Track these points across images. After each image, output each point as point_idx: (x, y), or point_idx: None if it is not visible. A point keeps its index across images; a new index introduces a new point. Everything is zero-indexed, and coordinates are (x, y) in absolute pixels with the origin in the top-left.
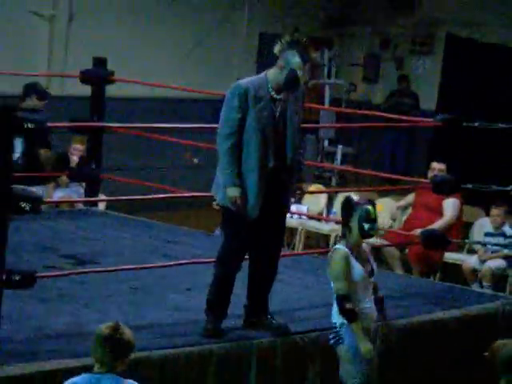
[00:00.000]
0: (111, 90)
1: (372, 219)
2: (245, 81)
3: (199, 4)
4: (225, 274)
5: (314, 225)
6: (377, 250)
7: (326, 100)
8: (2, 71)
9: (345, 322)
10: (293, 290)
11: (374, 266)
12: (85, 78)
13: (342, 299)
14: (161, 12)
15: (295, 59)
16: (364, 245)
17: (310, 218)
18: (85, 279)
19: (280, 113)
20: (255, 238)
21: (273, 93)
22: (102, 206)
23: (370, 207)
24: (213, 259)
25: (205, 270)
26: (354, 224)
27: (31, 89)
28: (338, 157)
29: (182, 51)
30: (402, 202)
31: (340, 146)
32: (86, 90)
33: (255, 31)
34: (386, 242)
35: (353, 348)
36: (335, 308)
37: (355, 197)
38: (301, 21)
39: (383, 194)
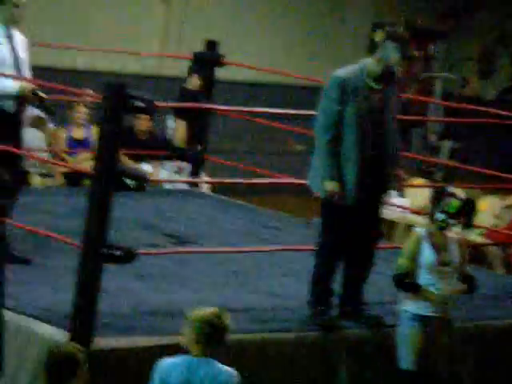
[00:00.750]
0: (220, 73)
1: (448, 212)
2: (343, 71)
3: None
4: (325, 265)
5: (414, 219)
6: (477, 249)
7: (437, 94)
8: (117, 50)
9: (402, 308)
10: (388, 283)
11: (455, 258)
12: (196, 60)
13: (399, 276)
14: None
15: (395, 54)
16: (452, 236)
17: (412, 211)
18: (183, 259)
19: (378, 103)
20: (353, 228)
21: (371, 83)
22: (204, 188)
23: (454, 201)
24: (310, 247)
25: (302, 257)
26: (435, 212)
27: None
28: (445, 152)
29: (293, 38)
30: (508, 201)
31: (447, 141)
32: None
33: (367, 20)
34: (488, 241)
35: (403, 334)
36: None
37: (454, 190)
38: (414, 12)
39: (489, 192)
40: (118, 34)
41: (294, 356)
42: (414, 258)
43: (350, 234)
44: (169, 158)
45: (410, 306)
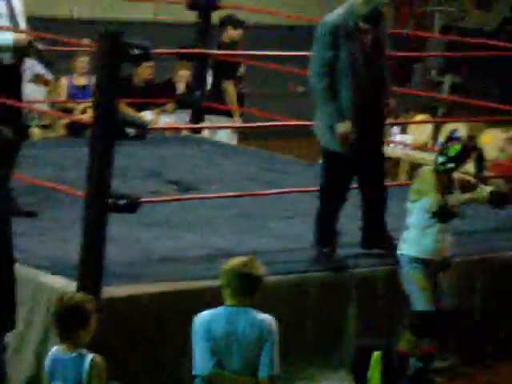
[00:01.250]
0: (217, 17)
1: (448, 156)
2: (333, 16)
3: None
4: (328, 207)
5: (418, 155)
6: (483, 182)
7: (436, 27)
8: None
9: (403, 252)
10: (396, 220)
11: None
12: (192, 4)
13: (442, 209)
14: None
15: None
16: (453, 177)
17: (415, 148)
18: (188, 205)
19: (369, 42)
20: (355, 171)
21: (360, 24)
22: (206, 134)
23: (455, 146)
24: (315, 188)
25: (307, 198)
26: (440, 155)
27: (226, 21)
28: (446, 86)
29: None
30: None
31: (448, 76)
32: (193, 17)
33: None
34: (492, 174)
35: (407, 277)
36: (403, 236)
37: (461, 134)
38: None
39: (491, 124)
40: None
41: (302, 297)
42: (438, 188)
43: (353, 177)
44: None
45: (406, 250)
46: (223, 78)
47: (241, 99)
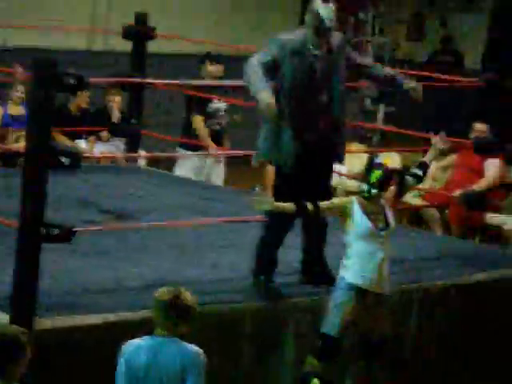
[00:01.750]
0: (152, 46)
1: (370, 183)
2: (285, 35)
3: None
4: (275, 233)
5: (353, 184)
6: (417, 211)
7: (369, 58)
8: (46, 26)
9: (344, 277)
10: (333, 248)
11: (391, 222)
12: (126, 33)
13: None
14: None
15: (316, 2)
16: (382, 201)
17: (350, 177)
18: (124, 235)
19: (322, 69)
20: (306, 195)
21: (312, 49)
22: (141, 162)
23: (376, 172)
24: (250, 217)
25: (243, 227)
26: (365, 183)
27: (205, 57)
28: (380, 116)
29: (226, 7)
30: (444, 163)
31: (382, 105)
32: (128, 46)
33: None
34: (426, 203)
35: (336, 300)
36: (344, 263)
37: (381, 160)
38: None
39: (425, 153)
40: (46, 10)
41: (238, 327)
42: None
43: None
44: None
45: (347, 275)
46: (192, 112)
47: (216, 135)
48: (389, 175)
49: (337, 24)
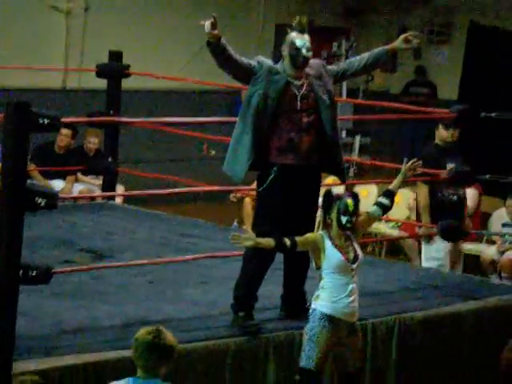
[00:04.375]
0: (127, 83)
1: (349, 212)
2: (268, 60)
3: None
4: (255, 268)
5: None
6: (394, 242)
7: (343, 90)
8: (18, 66)
9: (315, 308)
10: (313, 283)
11: (359, 253)
12: (101, 71)
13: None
14: (176, 3)
15: (292, 34)
16: (348, 232)
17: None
18: (101, 274)
19: (302, 96)
20: (288, 229)
21: (289, 79)
22: (119, 200)
23: (348, 200)
24: (228, 253)
25: (221, 263)
26: (334, 216)
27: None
28: (356, 148)
29: (197, 43)
30: None
31: (358, 137)
32: (103, 83)
33: (271, 23)
34: (403, 233)
35: (310, 332)
36: (317, 293)
37: (338, 190)
38: (317, 12)
39: (401, 184)
40: (18, 49)
41: (217, 364)
42: (306, 241)
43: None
44: (84, 172)
45: (320, 305)
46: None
47: None
48: (358, 201)
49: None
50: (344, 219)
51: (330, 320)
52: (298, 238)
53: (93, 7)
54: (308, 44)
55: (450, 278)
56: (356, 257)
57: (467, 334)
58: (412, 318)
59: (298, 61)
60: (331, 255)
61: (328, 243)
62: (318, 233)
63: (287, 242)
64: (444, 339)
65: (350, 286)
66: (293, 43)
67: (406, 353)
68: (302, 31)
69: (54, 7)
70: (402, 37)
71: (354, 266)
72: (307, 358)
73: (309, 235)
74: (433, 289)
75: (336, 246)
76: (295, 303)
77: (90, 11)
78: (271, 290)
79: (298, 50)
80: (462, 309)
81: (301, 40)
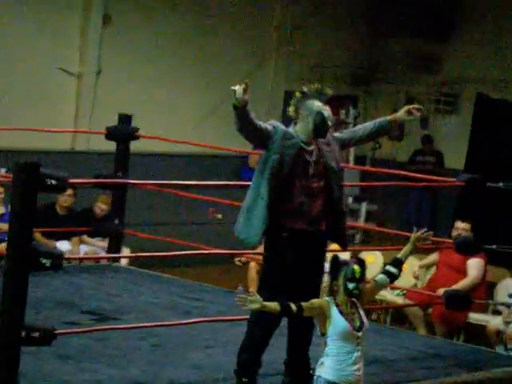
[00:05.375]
0: (135, 146)
1: (356, 279)
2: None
3: (224, 62)
4: (259, 333)
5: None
6: (399, 310)
7: (351, 157)
8: (29, 128)
9: (320, 375)
10: (317, 349)
11: (365, 321)
12: (110, 134)
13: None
14: (186, 69)
15: (316, 103)
16: (353, 300)
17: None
18: (105, 336)
19: (315, 162)
20: (294, 295)
21: (302, 144)
22: (124, 262)
23: (355, 267)
24: (234, 317)
25: (226, 327)
26: (340, 282)
27: None
28: (362, 214)
29: (207, 108)
30: (426, 261)
31: (364, 204)
32: (111, 145)
33: (280, 89)
34: (408, 301)
35: None
36: (321, 360)
37: (345, 256)
38: (325, 78)
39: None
40: (29, 111)
41: None
42: (312, 309)
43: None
44: (90, 233)
45: (324, 372)
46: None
47: None
48: (365, 267)
49: None
50: (351, 286)
51: None
52: (303, 304)
53: (105, 70)
54: (330, 114)
55: (454, 348)
56: (362, 324)
57: None
58: None
59: (323, 131)
60: (337, 323)
61: (334, 310)
62: (324, 299)
63: (293, 306)
64: None
65: (356, 353)
66: (321, 114)
67: None
68: (324, 101)
69: (65, 70)
70: (405, 108)
71: (360, 333)
72: None
73: (315, 301)
74: (437, 358)
75: (342, 314)
76: (299, 370)
77: (101, 74)
78: (275, 355)
79: (324, 121)
80: (467, 379)
81: (327, 111)
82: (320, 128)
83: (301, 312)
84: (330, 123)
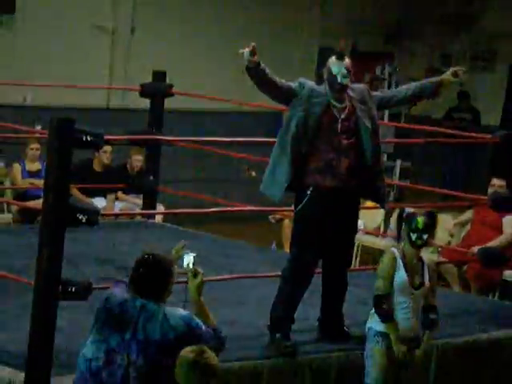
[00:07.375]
0: (169, 103)
1: (419, 230)
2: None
3: (258, 17)
4: (292, 290)
5: (370, 240)
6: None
7: (386, 114)
8: (62, 84)
9: (370, 326)
10: (349, 306)
11: (426, 281)
12: (144, 91)
13: (379, 299)
14: (221, 24)
15: (331, 59)
16: (426, 259)
17: (367, 233)
18: None
19: (345, 118)
20: (326, 253)
21: (333, 101)
22: (159, 218)
23: (419, 218)
24: (267, 274)
25: (258, 284)
26: (405, 234)
27: None
28: (397, 172)
29: (241, 66)
30: (461, 218)
31: (398, 161)
32: (146, 103)
33: (314, 45)
34: (443, 259)
35: (368, 350)
36: (372, 311)
37: (413, 209)
38: (361, 35)
39: (440, 210)
40: (65, 68)
41: None
42: (392, 278)
43: (322, 257)
44: (129, 190)
45: (374, 323)
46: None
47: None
48: (434, 219)
49: (352, 79)
50: (413, 236)
51: (386, 336)
52: (382, 286)
53: (138, 27)
54: (344, 70)
55: (489, 305)
56: (421, 284)
57: (506, 361)
58: (451, 344)
59: (334, 87)
60: (398, 274)
61: (399, 262)
62: (391, 251)
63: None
64: (483, 366)
65: (408, 308)
66: (329, 69)
67: (443, 378)
68: (341, 56)
69: (99, 27)
70: (450, 70)
71: (415, 292)
72: (367, 375)
73: (385, 267)
74: (472, 315)
75: (406, 266)
76: (332, 326)
77: (135, 31)
78: (309, 312)
79: (333, 76)
80: (502, 336)
81: (337, 67)
82: (331, 83)
83: None
84: (340, 79)
